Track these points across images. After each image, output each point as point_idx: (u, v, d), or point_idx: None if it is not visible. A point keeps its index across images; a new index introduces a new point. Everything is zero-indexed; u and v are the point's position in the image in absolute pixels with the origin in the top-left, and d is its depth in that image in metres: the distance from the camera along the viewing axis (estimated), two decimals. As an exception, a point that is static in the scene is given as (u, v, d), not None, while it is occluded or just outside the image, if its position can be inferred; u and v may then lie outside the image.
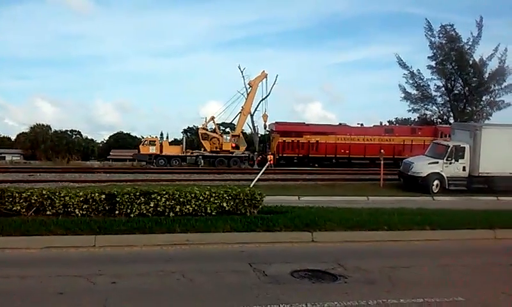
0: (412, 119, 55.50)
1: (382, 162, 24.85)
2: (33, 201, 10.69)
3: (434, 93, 47.55)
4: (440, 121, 48.22)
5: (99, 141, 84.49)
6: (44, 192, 10.91)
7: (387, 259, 9.08)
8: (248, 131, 49.32)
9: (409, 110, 49.71)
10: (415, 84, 47.22)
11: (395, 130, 42.63)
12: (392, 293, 6.89)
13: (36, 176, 25.79)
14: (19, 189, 11.09)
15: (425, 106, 48.65)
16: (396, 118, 62.81)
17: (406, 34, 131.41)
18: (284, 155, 39.55)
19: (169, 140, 57.93)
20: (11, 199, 10.60)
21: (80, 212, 10.81)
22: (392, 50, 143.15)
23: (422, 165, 23.11)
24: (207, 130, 43.65)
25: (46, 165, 36.75)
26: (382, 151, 26.78)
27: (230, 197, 11.48)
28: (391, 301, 6.53)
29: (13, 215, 10.44)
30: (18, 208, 10.59)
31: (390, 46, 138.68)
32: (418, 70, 46.93)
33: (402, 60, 46.68)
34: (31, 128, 73.74)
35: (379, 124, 46.50)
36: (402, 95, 47.98)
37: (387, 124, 52.81)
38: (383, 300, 6.56)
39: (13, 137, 78.74)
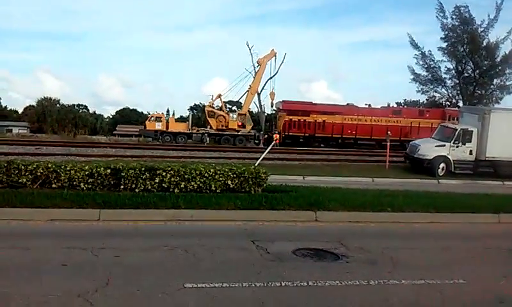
0: (420, 101, 55.13)
1: (388, 143, 24.72)
2: (39, 173, 10.77)
3: (444, 75, 47.09)
4: (449, 104, 47.79)
5: (105, 116, 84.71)
6: (50, 165, 10.98)
7: (390, 240, 9.12)
8: (255, 110, 49.17)
9: (418, 92, 49.31)
10: (425, 66, 46.69)
11: (402, 112, 42.28)
12: (393, 273, 6.92)
13: (43, 149, 25.92)
14: (25, 162, 11.16)
15: (435, 88, 48.25)
16: (404, 100, 62.27)
17: (417, 14, 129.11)
18: (290, 134, 39.41)
19: (176, 117, 57.89)
20: (17, 172, 10.68)
21: (86, 185, 10.88)
22: (401, 30, 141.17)
23: (429, 148, 22.99)
24: (213, 107, 43.56)
25: (52, 139, 36.91)
26: (389, 132, 26.64)
27: (235, 175, 11.50)
28: (392, 282, 6.56)
29: (19, 187, 10.53)
30: (24, 180, 10.67)
31: (400, 26, 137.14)
32: (430, 50, 46.37)
33: (414, 40, 46.04)
34: (38, 101, 73.95)
35: (386, 105, 46.21)
36: (412, 77, 47.54)
37: (395, 105, 52.51)
38: (384, 280, 6.59)
39: (20, 110, 79.10)
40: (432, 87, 48.02)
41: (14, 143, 28.84)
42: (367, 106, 42.80)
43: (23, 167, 10.76)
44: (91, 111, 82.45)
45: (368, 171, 21.69)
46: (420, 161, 22.90)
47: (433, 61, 46.44)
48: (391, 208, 11.25)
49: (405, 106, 57.02)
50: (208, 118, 42.74)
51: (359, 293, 6.16)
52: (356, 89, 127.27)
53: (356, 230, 9.90)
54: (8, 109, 78.58)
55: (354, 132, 39.59)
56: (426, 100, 51.71)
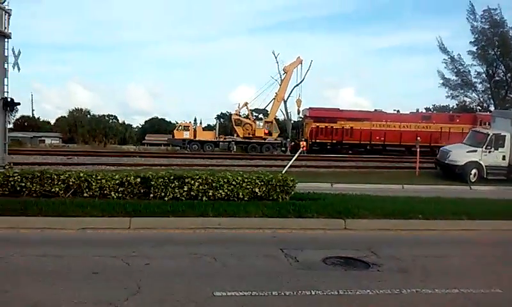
0: (450, 106, 54.14)
1: (418, 149, 24.36)
2: (71, 183, 11.00)
3: (474, 80, 46.31)
4: (480, 108, 46.84)
5: (134, 126, 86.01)
6: (81, 174, 11.20)
7: (421, 248, 8.92)
8: (281, 117, 49.15)
9: (448, 97, 48.51)
10: (455, 70, 45.92)
11: (432, 117, 41.61)
12: (425, 282, 6.74)
13: (74, 159, 26.58)
14: (58, 171, 11.40)
15: (465, 93, 47.43)
16: (434, 105, 61.34)
17: (445, 19, 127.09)
18: (317, 141, 39.27)
19: (203, 125, 58.41)
20: (50, 181, 10.93)
21: (116, 194, 11.05)
22: (429, 35, 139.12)
23: (460, 154, 22.52)
24: (240, 116, 43.82)
25: (83, 149, 37.81)
26: (418, 138, 26.27)
27: (262, 183, 11.48)
28: (425, 291, 6.40)
29: (51, 197, 10.76)
30: (57, 189, 10.91)
31: (427, 31, 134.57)
32: (459, 54, 45.55)
33: (443, 44, 45.35)
34: (70, 112, 75.77)
35: (415, 111, 45.51)
36: (441, 81, 46.92)
37: (424, 111, 51.64)
38: (417, 289, 6.43)
39: (52, 121, 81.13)
40: (462, 91, 47.29)
41: (47, 153, 29.65)
42: (395, 112, 42.28)
43: (55, 176, 11.01)
44: (120, 121, 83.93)
45: (397, 178, 21.38)
46: (452, 167, 22.45)
47: (462, 65, 45.68)
48: (422, 215, 11.01)
49: (435, 111, 56.09)
50: (235, 126, 43.00)
51: (391, 302, 6.03)
52: (384, 95, 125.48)
53: (387, 238, 9.73)
54: (41, 120, 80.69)
55: (382, 138, 39.15)
56: (456, 104, 50.91)
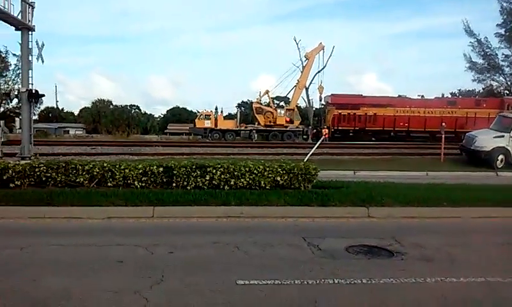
0: (477, 90, 52.89)
1: (443, 135, 23.89)
2: (95, 173, 11.16)
3: (501, 63, 44.96)
4: (507, 92, 45.54)
5: (156, 115, 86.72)
6: (105, 164, 11.36)
7: (446, 236, 8.75)
8: (303, 105, 48.83)
9: (474, 81, 47.34)
10: (482, 53, 44.69)
11: (458, 102, 40.66)
12: (451, 271, 6.63)
13: (98, 149, 26.94)
14: (82, 162, 11.60)
15: (492, 76, 46.14)
16: (459, 90, 59.95)
17: (471, 1, 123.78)
18: (339, 128, 38.87)
19: (224, 114, 58.57)
20: (74, 172, 11.13)
21: (140, 184, 11.17)
22: (454, 18, 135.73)
23: (486, 139, 22.00)
24: (261, 104, 43.70)
25: (107, 139, 38.33)
26: (443, 124, 25.75)
27: (284, 172, 11.44)
28: (450, 279, 6.28)
29: (76, 187, 10.97)
30: (82, 179, 11.10)
31: (451, 15, 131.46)
32: (486, 37, 44.34)
33: (469, 27, 44.19)
34: (93, 103, 76.81)
35: (440, 96, 44.63)
36: (467, 65, 45.75)
37: (449, 96, 50.63)
38: (442, 278, 6.32)
39: (76, 112, 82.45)
40: (489, 75, 46.01)
41: (71, 144, 30.19)
42: (419, 97, 41.47)
43: (80, 167, 11.19)
44: (142, 111, 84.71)
45: (422, 165, 21.07)
46: (478, 153, 21.96)
47: (490, 48, 44.42)
48: (447, 202, 10.83)
49: (460, 96, 54.88)
50: (256, 115, 42.91)
51: (415, 291, 5.95)
52: (407, 81, 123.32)
53: (411, 226, 9.60)
54: (65, 111, 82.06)
55: (406, 125, 38.52)
56: (483, 89, 49.62)
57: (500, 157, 21.36)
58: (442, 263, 7.03)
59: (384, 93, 74.76)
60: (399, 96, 41.98)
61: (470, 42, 44.75)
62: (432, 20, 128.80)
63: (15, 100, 23.80)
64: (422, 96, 41.82)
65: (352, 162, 22.36)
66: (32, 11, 16.48)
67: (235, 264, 6.80)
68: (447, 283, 6.21)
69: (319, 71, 43.20)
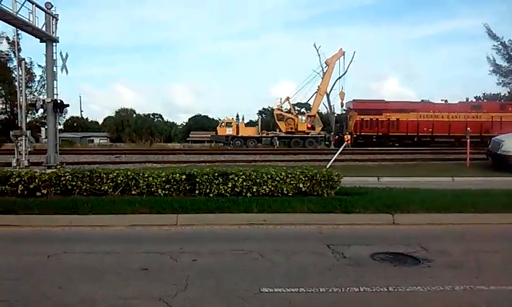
0: (502, 94, 51.82)
1: (468, 140, 23.43)
2: (119, 181, 11.29)
3: (527, 66, 43.80)
4: (533, 95, 44.48)
5: (179, 124, 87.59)
6: (129, 173, 11.48)
7: (474, 242, 8.54)
8: (324, 111, 48.63)
9: (499, 84, 46.26)
10: (506, 56, 43.72)
11: (482, 106, 39.98)
12: (479, 278, 6.44)
13: (122, 157, 27.31)
14: (106, 170, 11.73)
15: (517, 80, 44.99)
16: (484, 93, 58.92)
17: (491, 3, 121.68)
18: (362, 133, 38.62)
19: (245, 121, 58.76)
20: (99, 180, 11.27)
21: (163, 191, 11.25)
22: (475, 21, 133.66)
23: (514, 144, 21.46)
24: (282, 110, 43.71)
25: (130, 148, 38.80)
26: (468, 128, 25.26)
27: (307, 178, 11.37)
28: (479, 287, 6.11)
29: (101, 195, 11.11)
30: (106, 188, 11.24)
31: (473, 18, 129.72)
32: (510, 40, 43.41)
33: (491, 31, 43.36)
34: (116, 112, 78.14)
35: (465, 100, 43.88)
36: (491, 68, 44.66)
37: (474, 100, 49.74)
38: (470, 286, 6.15)
39: (100, 121, 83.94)
40: (514, 78, 44.87)
41: (95, 153, 30.65)
42: (443, 102, 40.92)
43: (104, 175, 11.34)
44: (165, 119, 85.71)
45: (447, 170, 20.68)
46: (504, 158, 21.42)
47: (514, 50, 43.38)
48: (474, 208, 10.57)
49: (485, 100, 53.87)
50: (277, 121, 42.93)
51: (443, 299, 5.80)
52: (430, 85, 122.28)
53: (437, 232, 9.40)
54: (89, 120, 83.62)
55: (430, 130, 38.05)
56: (508, 92, 48.52)
57: (528, 161, 20.81)
58: (470, 271, 6.84)
59: (406, 98, 74.18)
60: (422, 101, 41.54)
61: (494, 45, 43.87)
62: (454, 23, 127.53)
63: (41, 110, 24.24)
64: (446, 100, 41.29)
65: (376, 168, 22.12)
66: (56, 23, 16.80)
67: (259, 272, 6.76)
68: (475, 290, 6.04)
69: (339, 77, 43.15)
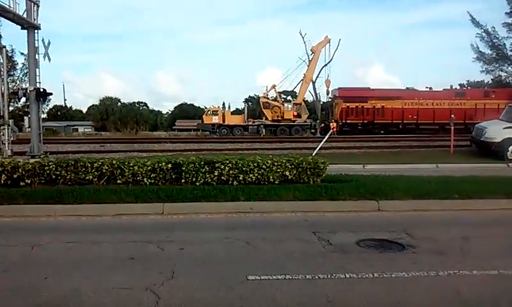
0: (485, 81, 52.42)
1: (452, 127, 23.67)
2: (104, 170, 11.18)
3: (510, 53, 44.23)
4: (517, 83, 45.04)
5: (164, 112, 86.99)
6: (114, 162, 11.36)
7: (458, 228, 8.67)
8: (310, 98, 48.70)
9: (482, 72, 46.79)
10: (490, 43, 44.12)
11: (466, 94, 40.38)
12: (463, 263, 6.56)
13: (107, 146, 27.06)
14: (91, 159, 11.60)
15: (500, 67, 45.49)
16: (468, 81, 59.49)
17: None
18: (348, 121, 38.74)
19: (231, 109, 58.60)
20: (84, 169, 11.15)
21: (149, 180, 11.17)
22: (460, 8, 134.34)
23: (496, 130, 21.73)
24: (268, 98, 43.62)
25: (115, 136, 38.48)
26: (452, 116, 25.48)
27: (293, 166, 11.40)
28: (463, 272, 6.22)
29: (86, 184, 10.99)
30: (91, 177, 11.12)
31: (458, 4, 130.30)
32: (493, 27, 43.77)
33: (475, 18, 43.68)
34: (101, 100, 77.22)
35: (449, 87, 44.29)
36: (475, 56, 45.09)
37: (458, 87, 50.23)
38: (454, 271, 6.27)
39: (84, 110, 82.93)
40: (497, 66, 45.36)
41: (80, 142, 30.35)
42: (428, 89, 41.24)
43: (89, 164, 11.21)
44: (150, 108, 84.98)
45: (431, 157, 20.92)
46: (488, 144, 21.72)
47: (497, 38, 43.81)
48: (458, 195, 10.73)
49: (469, 87, 54.44)
50: (263, 109, 42.87)
51: (428, 284, 5.90)
52: (415, 72, 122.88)
53: (422, 219, 9.53)
54: (73, 109, 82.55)
55: (415, 117, 38.34)
56: (491, 79, 49.12)
57: (511, 147, 21.13)
58: (454, 256, 6.96)
59: (391, 85, 74.72)
60: (407, 88, 41.83)
61: (478, 33, 44.22)
62: (439, 10, 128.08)
63: (23, 99, 23.89)
64: (430, 88, 41.63)
65: (361, 156, 22.28)
66: (38, 9, 16.51)
67: (245, 260, 6.79)
68: (459, 275, 6.15)
69: (325, 65, 43.14)
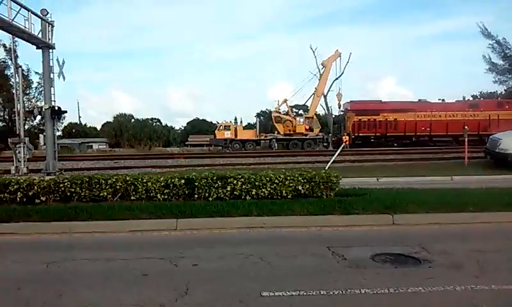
0: (498, 92, 51.96)
1: (466, 139, 23.45)
2: (118, 187, 11.26)
3: (523, 63, 43.88)
4: (530, 93, 44.57)
5: (177, 128, 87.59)
6: (128, 178, 11.44)
7: (474, 242, 8.52)
8: (322, 112, 48.67)
9: (495, 82, 46.34)
10: (502, 54, 43.78)
11: (480, 105, 40.10)
12: (481, 278, 6.43)
13: (121, 163, 27.27)
14: (105, 176, 11.69)
15: (513, 77, 45.08)
16: (480, 92, 59.03)
17: (489, 2, 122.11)
18: (360, 134, 38.67)
19: (243, 124, 58.75)
20: (98, 186, 11.24)
21: (162, 196, 11.22)
22: (472, 20, 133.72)
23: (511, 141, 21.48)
24: (280, 113, 43.74)
25: (129, 153, 38.79)
26: (466, 127, 25.30)
27: (305, 180, 11.36)
28: (480, 287, 6.09)
29: (100, 201, 11.07)
30: (105, 194, 11.20)
31: (470, 16, 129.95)
32: (504, 38, 43.51)
33: (486, 29, 43.44)
34: (114, 117, 78.09)
35: (462, 99, 43.98)
36: (487, 67, 44.70)
37: (471, 98, 49.84)
38: (472, 286, 6.14)
39: (98, 127, 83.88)
40: (510, 76, 44.91)
41: (94, 159, 30.63)
42: (440, 101, 41.02)
43: (103, 181, 11.30)
44: (163, 124, 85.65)
45: (446, 169, 20.69)
46: (503, 156, 21.42)
47: (509, 48, 43.47)
48: (473, 207, 10.57)
49: (482, 98, 54.01)
50: (275, 124, 43.00)
51: (445, 299, 5.79)
52: (427, 84, 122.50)
53: (438, 232, 9.40)
54: (88, 126, 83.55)
55: (428, 129, 38.15)
56: (504, 90, 48.61)
57: (526, 159, 20.83)
58: (472, 271, 6.83)
59: (403, 97, 74.25)
60: (420, 100, 41.62)
61: (489, 44, 43.97)
62: (450, 22, 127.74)
63: (39, 117, 24.26)
64: (443, 99, 41.41)
65: (375, 169, 22.12)
66: (52, 29, 16.83)
67: (259, 275, 6.74)
68: (477, 290, 6.03)
69: (336, 79, 43.23)
